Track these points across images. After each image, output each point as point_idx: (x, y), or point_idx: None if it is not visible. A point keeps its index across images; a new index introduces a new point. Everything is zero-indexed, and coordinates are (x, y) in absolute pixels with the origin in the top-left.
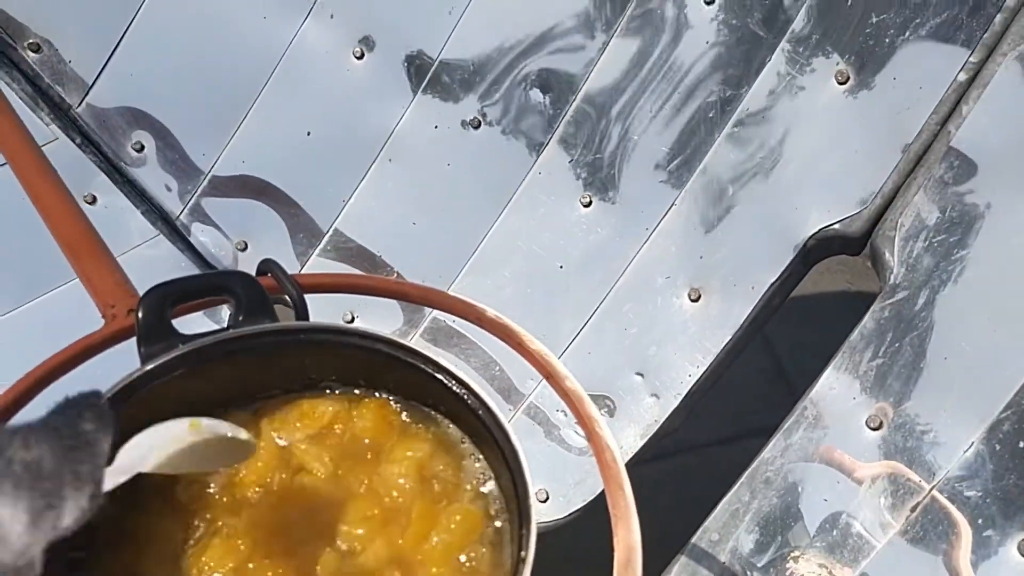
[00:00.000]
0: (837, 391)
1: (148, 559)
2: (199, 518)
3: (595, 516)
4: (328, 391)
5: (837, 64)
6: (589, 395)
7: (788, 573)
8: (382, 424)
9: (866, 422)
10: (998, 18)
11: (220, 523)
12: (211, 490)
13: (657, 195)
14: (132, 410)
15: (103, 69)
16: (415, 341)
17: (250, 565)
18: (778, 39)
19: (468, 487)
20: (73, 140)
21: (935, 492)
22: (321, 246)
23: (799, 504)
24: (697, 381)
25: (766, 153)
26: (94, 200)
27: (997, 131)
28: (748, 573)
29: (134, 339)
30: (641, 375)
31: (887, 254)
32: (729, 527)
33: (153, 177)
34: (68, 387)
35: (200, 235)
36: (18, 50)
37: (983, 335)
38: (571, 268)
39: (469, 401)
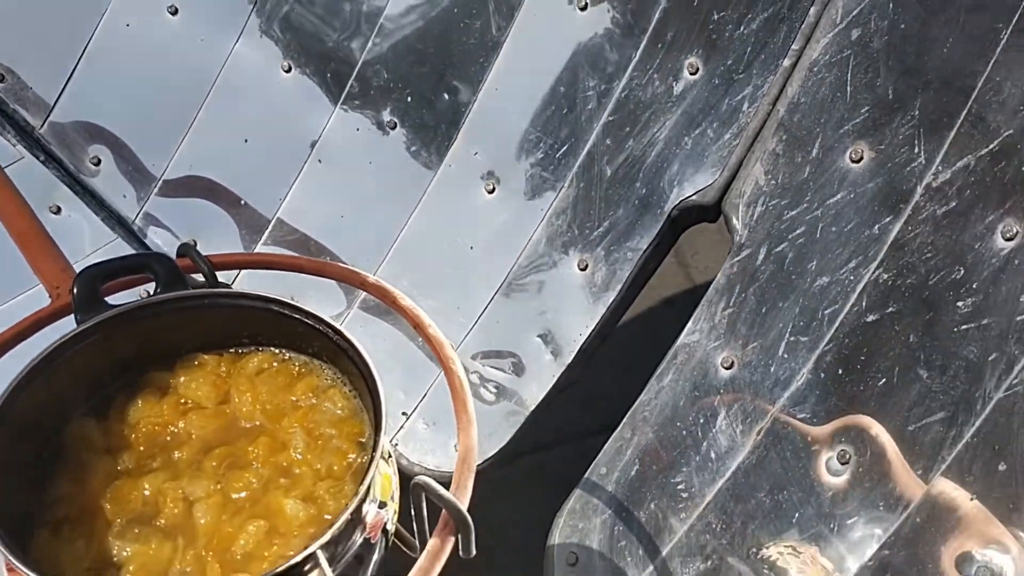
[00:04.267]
0: (697, 338)
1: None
2: (125, 458)
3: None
4: (232, 350)
5: (688, 58)
6: (500, 355)
7: (669, 495)
8: (271, 369)
9: (720, 363)
10: (812, 10)
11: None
12: (131, 438)
13: (549, 179)
14: (74, 362)
15: (62, 92)
16: (351, 316)
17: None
18: (640, 39)
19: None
20: (37, 158)
21: (776, 415)
22: (263, 240)
23: (672, 436)
24: (588, 338)
25: (636, 138)
26: (58, 210)
27: (812, 107)
28: (633, 498)
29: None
30: (541, 337)
31: (734, 218)
32: (615, 461)
33: (110, 187)
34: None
35: (154, 236)
36: None
37: (810, 281)
38: (480, 248)
39: (337, 340)
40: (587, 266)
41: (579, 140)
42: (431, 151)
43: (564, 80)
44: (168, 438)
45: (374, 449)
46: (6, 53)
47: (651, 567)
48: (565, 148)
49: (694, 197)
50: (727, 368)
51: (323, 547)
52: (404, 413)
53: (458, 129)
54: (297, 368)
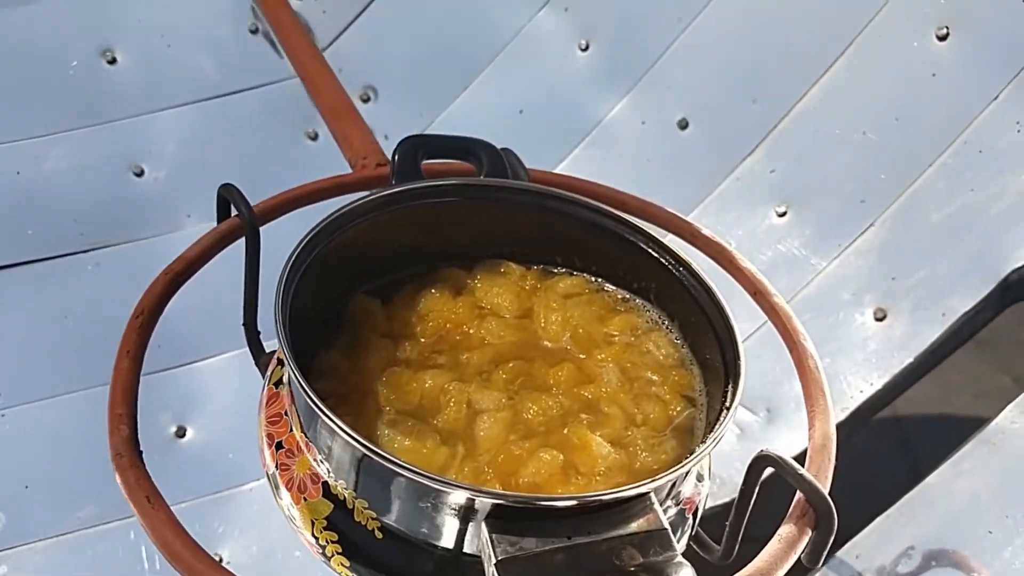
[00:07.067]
0: (1019, 426)
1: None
2: (407, 347)
3: None
4: (541, 266)
5: None
6: (753, 395)
7: None
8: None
9: None
10: None
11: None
12: (416, 329)
13: (856, 212)
14: (381, 225)
15: (352, 23)
16: None
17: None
18: (1007, 79)
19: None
20: None
21: None
22: None
23: (967, 533)
24: (868, 399)
25: (979, 185)
26: (315, 136)
27: None
28: None
29: (361, 193)
30: None
31: None
32: (879, 547)
33: (372, 121)
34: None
35: None
36: None
37: None
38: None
39: (680, 274)
40: (885, 317)
41: (903, 177)
42: (721, 159)
43: (897, 110)
44: (458, 337)
45: (729, 402)
46: None
47: None
48: (883, 182)
49: None
50: None
51: (655, 492)
52: None
53: (758, 144)
54: (614, 302)
